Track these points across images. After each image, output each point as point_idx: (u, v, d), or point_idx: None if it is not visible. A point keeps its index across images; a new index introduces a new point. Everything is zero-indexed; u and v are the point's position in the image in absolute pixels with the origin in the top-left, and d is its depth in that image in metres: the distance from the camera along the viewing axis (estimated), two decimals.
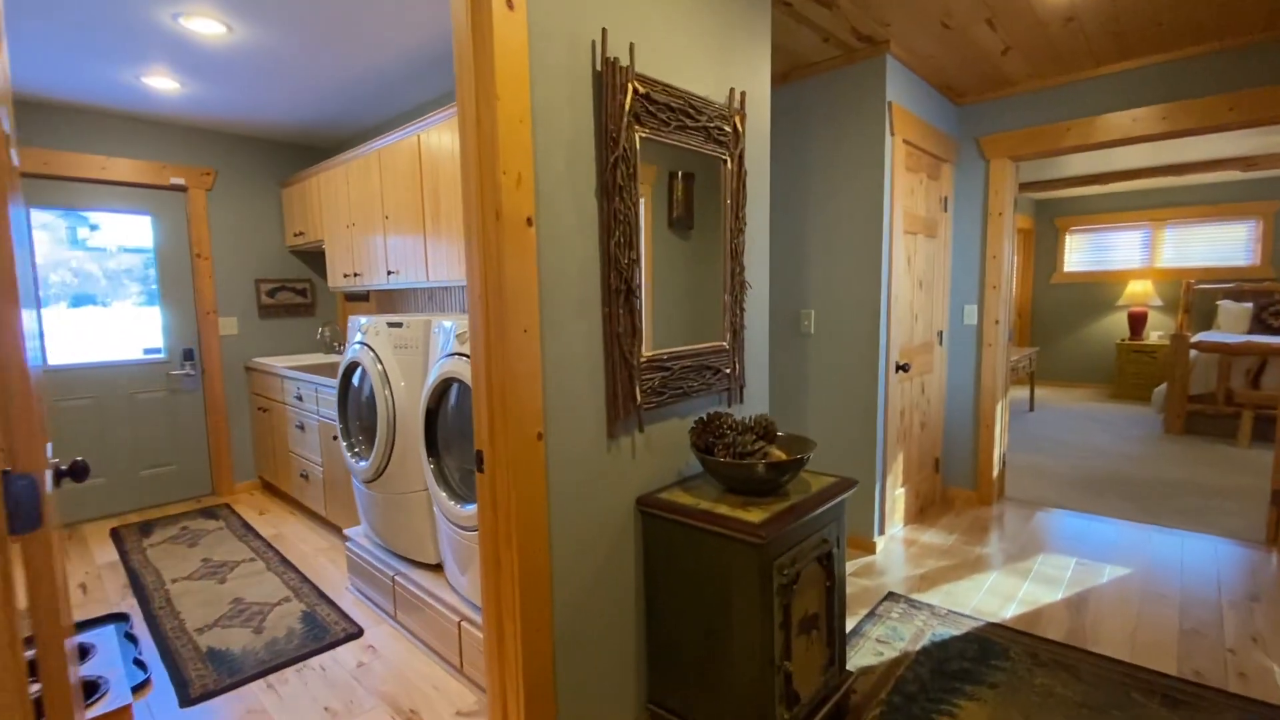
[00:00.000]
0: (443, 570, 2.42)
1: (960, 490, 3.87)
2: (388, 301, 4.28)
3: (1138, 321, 7.03)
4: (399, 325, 2.39)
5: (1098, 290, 7.58)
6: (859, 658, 2.25)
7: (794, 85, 3.19)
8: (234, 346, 4.35)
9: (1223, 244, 6.77)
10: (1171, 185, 6.89)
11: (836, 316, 3.15)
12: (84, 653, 1.97)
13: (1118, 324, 7.46)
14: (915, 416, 3.50)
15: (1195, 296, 6.87)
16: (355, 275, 3.64)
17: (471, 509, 2.03)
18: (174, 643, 2.50)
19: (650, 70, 1.71)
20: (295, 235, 4.33)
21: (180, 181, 4.04)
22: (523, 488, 1.44)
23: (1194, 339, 5.54)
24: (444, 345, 2.17)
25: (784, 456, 1.77)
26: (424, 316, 2.38)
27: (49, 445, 1.36)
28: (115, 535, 3.66)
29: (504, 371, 1.40)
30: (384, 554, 2.62)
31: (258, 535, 3.60)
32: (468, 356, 2.02)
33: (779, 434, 1.89)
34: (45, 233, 3.73)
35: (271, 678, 2.26)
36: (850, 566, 3.01)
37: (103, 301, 3.96)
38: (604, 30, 1.56)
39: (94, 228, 3.91)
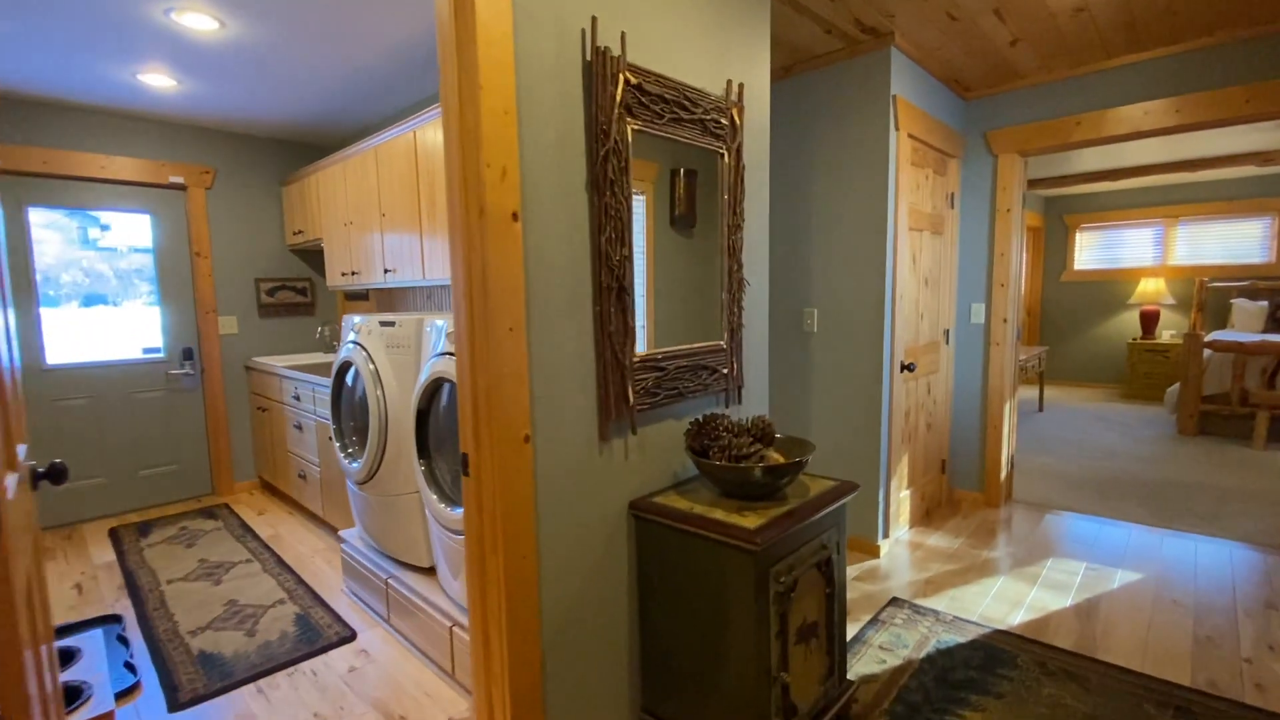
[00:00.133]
0: (436, 574, 2.38)
1: (967, 492, 3.80)
2: (387, 300, 4.25)
3: (1150, 320, 6.91)
4: (391, 324, 2.35)
5: (1109, 288, 7.46)
6: (861, 665, 2.19)
7: (796, 79, 3.13)
8: (234, 346, 4.33)
9: (1237, 241, 6.65)
10: (1184, 181, 6.77)
11: (840, 315, 3.09)
12: (69, 657, 1.95)
13: (1129, 323, 7.35)
14: (921, 417, 3.43)
15: (1209, 294, 6.75)
16: (353, 274, 3.61)
17: (462, 512, 1.99)
18: (166, 645, 2.47)
19: (643, 60, 1.66)
20: (295, 234, 4.31)
21: (179, 180, 4.03)
22: (508, 492, 1.39)
23: (1208, 338, 5.44)
24: (435, 344, 2.13)
25: (781, 460, 1.72)
26: (416, 315, 2.34)
27: (22, 447, 1.33)
28: (114, 535, 3.64)
29: (488, 372, 1.35)
30: (378, 556, 2.58)
31: (255, 536, 3.58)
32: None
33: (777, 436, 1.83)
34: (58, 233, 3.76)
35: (262, 682, 2.23)
36: (853, 570, 2.95)
37: (113, 301, 3.97)
38: (594, 18, 1.51)
39: (105, 228, 3.93)
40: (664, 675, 1.72)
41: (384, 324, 2.39)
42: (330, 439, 3.20)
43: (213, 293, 4.21)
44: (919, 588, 2.77)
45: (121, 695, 2.16)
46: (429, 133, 2.78)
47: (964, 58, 3.05)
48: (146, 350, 4.07)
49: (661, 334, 1.82)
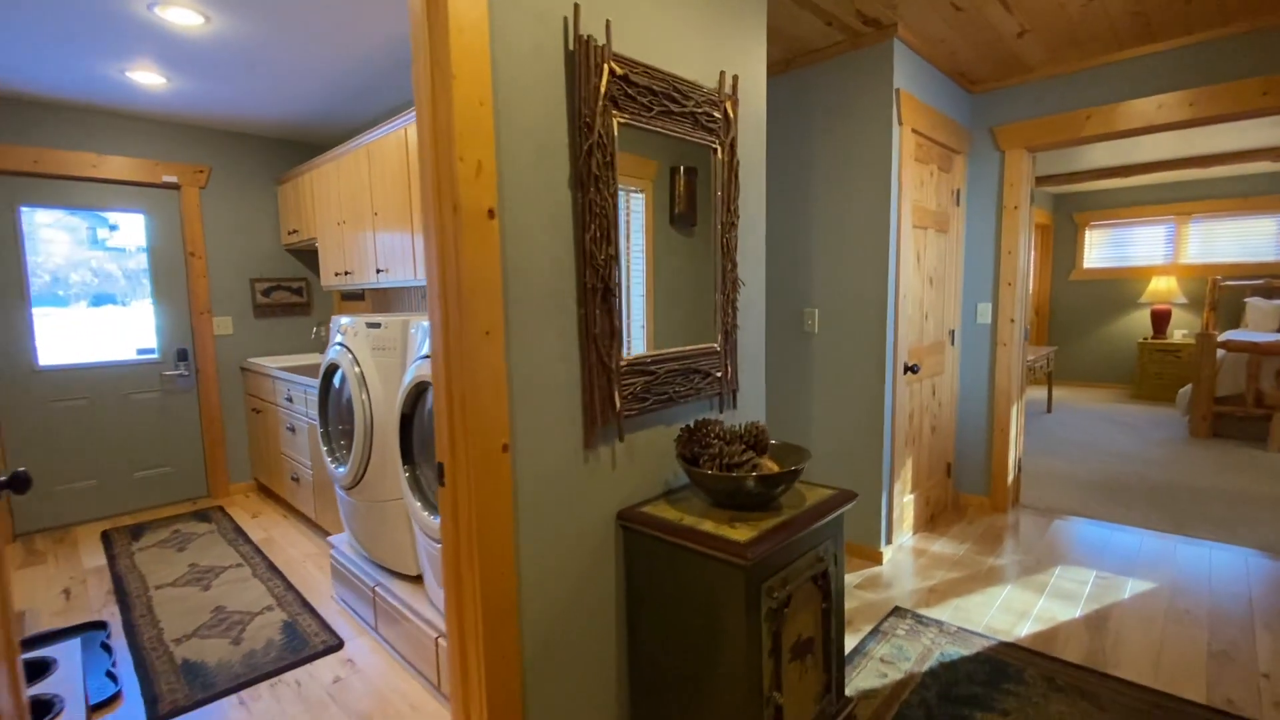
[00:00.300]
0: (423, 582, 2.32)
1: (973, 496, 3.71)
2: (383, 301, 4.19)
3: (1161, 319, 6.78)
4: (377, 326, 2.29)
5: (1119, 287, 7.33)
6: (861, 679, 2.11)
7: (797, 73, 3.05)
8: (229, 346, 4.29)
9: (1251, 238, 6.51)
10: (1197, 178, 6.64)
11: (842, 315, 3.00)
12: (44, 669, 1.89)
13: (1140, 322, 7.22)
14: (925, 419, 3.35)
15: (1222, 293, 6.62)
16: (346, 274, 3.55)
17: None
18: (150, 653, 2.41)
19: (630, 50, 1.59)
20: (290, 233, 4.26)
21: (173, 179, 3.98)
22: (485, 503, 1.32)
23: (1221, 338, 5.32)
24: (420, 346, 2.06)
25: (776, 468, 1.64)
26: (403, 316, 2.28)
27: None
28: (106, 539, 3.60)
29: (464, 378, 1.28)
30: (365, 563, 2.52)
31: (248, 539, 3.53)
32: None
33: (771, 442, 1.76)
34: (67, 233, 3.77)
35: (245, 693, 2.17)
36: (855, 578, 2.87)
37: (122, 301, 3.98)
38: (576, 5, 1.44)
39: (114, 228, 3.92)
40: (653, 693, 1.65)
41: (370, 325, 2.32)
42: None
43: (207, 293, 4.16)
44: (922, 596, 2.68)
45: (100, 706, 2.11)
46: None
47: (970, 50, 2.96)
48: (141, 351, 4.03)
49: (662, 336, 1.77)
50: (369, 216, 3.22)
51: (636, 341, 1.71)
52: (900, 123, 2.82)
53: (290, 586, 2.93)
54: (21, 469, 1.28)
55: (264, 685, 2.20)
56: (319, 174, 3.72)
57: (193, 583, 3.01)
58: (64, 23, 2.52)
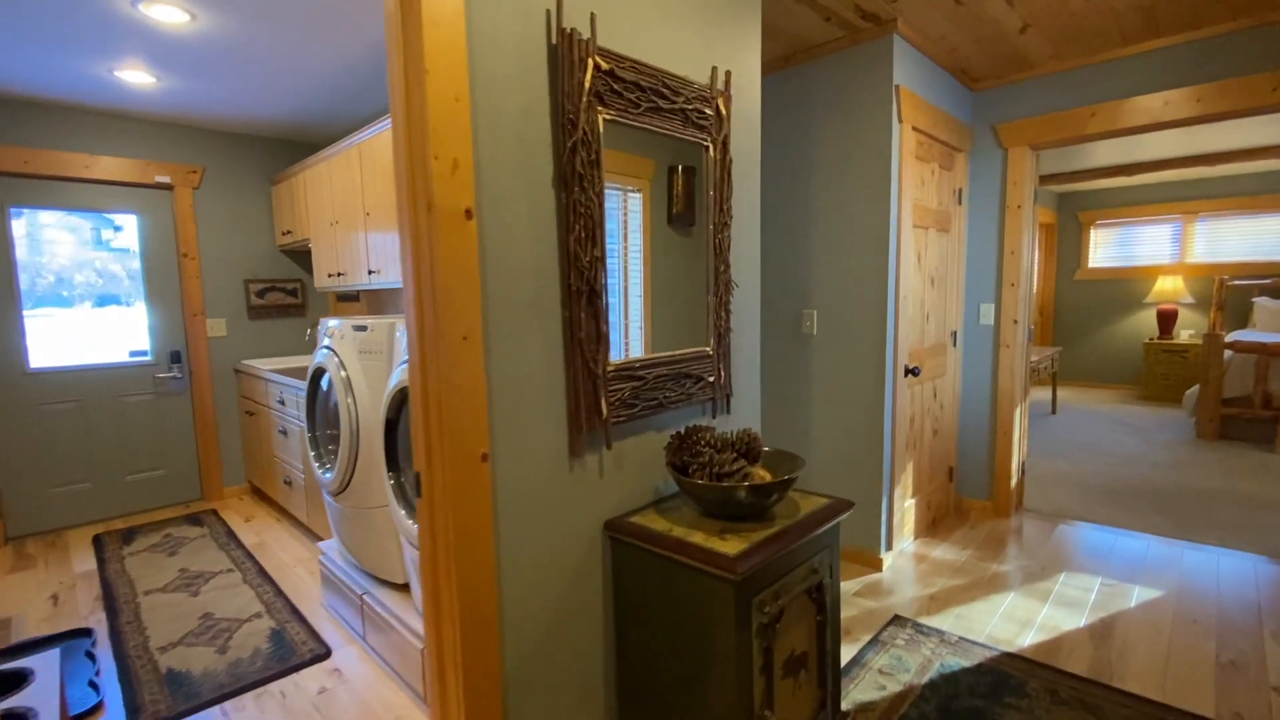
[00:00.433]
0: (410, 591, 2.27)
1: (976, 501, 3.65)
2: (377, 302, 4.15)
3: (1167, 319, 6.70)
4: (364, 328, 2.24)
5: (1124, 287, 7.25)
6: (859, 692, 2.05)
7: (795, 70, 2.99)
8: (223, 348, 4.25)
9: (1259, 237, 6.42)
10: (1204, 176, 6.55)
11: (841, 317, 2.95)
12: (20, 680, 1.85)
13: (1146, 322, 7.13)
14: (927, 422, 3.29)
15: (1229, 293, 6.53)
16: (339, 275, 3.51)
17: None
18: (134, 662, 2.37)
19: (616, 45, 1.53)
20: (284, 234, 4.22)
21: (166, 180, 3.94)
22: (464, 514, 1.27)
23: (1228, 338, 5.24)
24: (405, 350, 2.01)
25: (768, 477, 1.59)
26: (390, 319, 2.23)
27: None
28: (97, 543, 3.57)
29: (440, 384, 1.23)
30: (354, 570, 2.47)
31: (240, 544, 3.49)
32: None
33: (765, 449, 1.71)
34: (72, 234, 3.78)
35: (228, 704, 2.12)
36: (855, 585, 2.81)
37: (126, 301, 3.98)
38: None
39: (118, 229, 3.92)
40: (641, 713, 1.60)
41: (357, 328, 2.28)
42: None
43: (201, 294, 4.12)
44: (923, 604, 2.62)
45: (81, 717, 2.07)
46: None
47: (971, 45, 2.90)
48: (134, 353, 4.00)
49: (660, 338, 1.74)
50: (361, 217, 3.18)
51: (635, 344, 1.69)
52: (900, 120, 2.76)
53: (280, 593, 2.89)
54: None
55: (249, 696, 2.16)
56: (312, 174, 3.67)
57: (182, 588, 2.97)
58: (47, 21, 2.48)
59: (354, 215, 3.24)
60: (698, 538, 1.45)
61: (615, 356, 1.64)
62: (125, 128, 3.80)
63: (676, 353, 1.75)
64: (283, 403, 3.51)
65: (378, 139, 2.92)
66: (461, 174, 1.22)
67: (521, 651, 1.43)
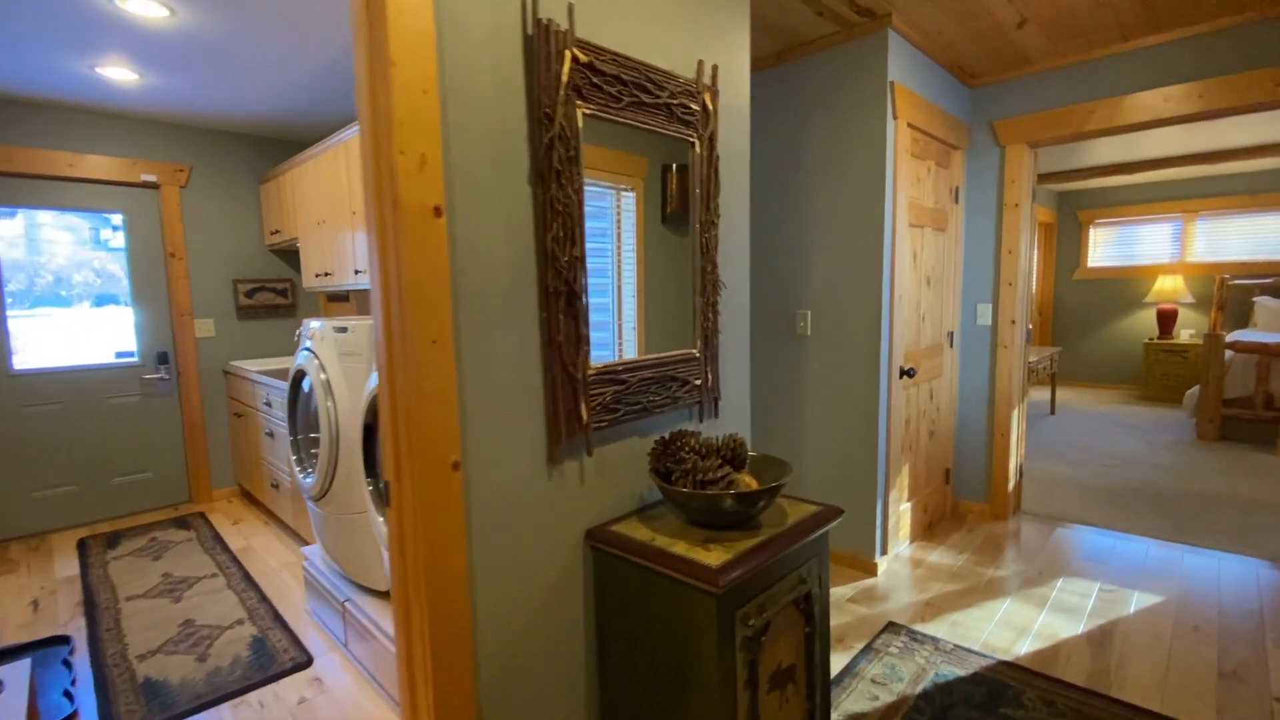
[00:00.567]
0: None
1: (973, 503, 3.59)
2: (366, 303, 4.10)
3: (1167, 319, 6.65)
4: (344, 330, 2.19)
5: (1124, 286, 7.20)
6: (851, 702, 2.00)
7: (788, 66, 2.93)
8: (211, 349, 4.19)
9: (1260, 236, 6.36)
10: (1204, 174, 6.49)
11: (835, 317, 2.89)
12: None
13: (1145, 322, 7.08)
14: (923, 424, 3.23)
15: (1230, 292, 6.48)
16: (327, 275, 3.45)
17: None
18: (111, 671, 2.32)
19: (596, 36, 1.48)
20: (273, 233, 4.17)
21: (152, 178, 3.89)
22: (434, 526, 1.22)
23: (1229, 338, 5.19)
24: None
25: (755, 484, 1.54)
26: (370, 320, 2.17)
27: None
28: (81, 547, 3.52)
29: (408, 390, 1.18)
30: (336, 577, 2.42)
31: (226, 548, 3.43)
32: None
33: (752, 455, 1.65)
34: (70, 234, 3.76)
35: (205, 714, 2.07)
36: (849, 590, 2.76)
37: (126, 302, 3.95)
38: None
39: (116, 229, 3.87)
40: None
41: (338, 329, 2.22)
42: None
43: (188, 295, 4.07)
44: (918, 611, 2.57)
45: None
46: None
47: (968, 41, 2.85)
48: (120, 354, 3.95)
49: (654, 340, 1.71)
50: (348, 216, 3.12)
51: (629, 346, 1.66)
52: (895, 117, 2.70)
53: (264, 598, 2.83)
54: None
55: (226, 706, 2.11)
56: (299, 172, 3.62)
57: (165, 594, 2.92)
58: (24, 16, 2.43)
59: (341, 214, 3.18)
60: (680, 548, 1.40)
61: (609, 358, 1.60)
62: (110, 126, 3.74)
63: (661, 355, 1.70)
64: (269, 404, 3.46)
65: None
66: (430, 170, 1.17)
67: (498, 666, 1.37)
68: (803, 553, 1.54)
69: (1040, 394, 6.91)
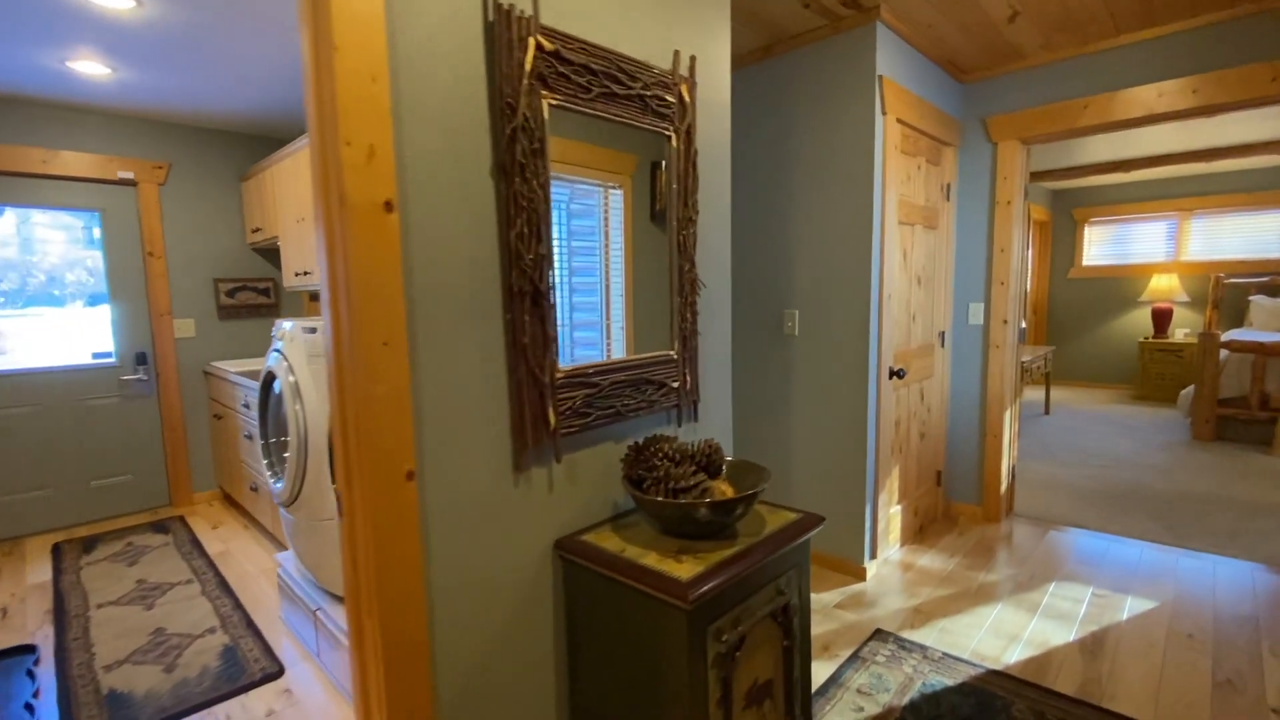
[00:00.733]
0: None
1: (965, 505, 3.54)
2: None
3: (1162, 318, 6.60)
4: (314, 330, 2.12)
5: (1119, 285, 7.15)
6: (835, 714, 1.94)
7: (775, 61, 2.87)
8: (191, 349, 4.12)
9: (1256, 234, 6.32)
10: (1200, 172, 6.45)
11: (823, 317, 2.83)
12: None
13: (1140, 321, 7.04)
14: (914, 426, 3.18)
15: (1225, 291, 6.44)
16: (307, 273, 3.38)
17: None
18: (75, 682, 2.25)
19: (563, 24, 1.41)
20: (254, 232, 4.09)
21: (129, 175, 3.81)
22: (386, 539, 1.15)
23: (1224, 337, 5.14)
24: None
25: (730, 491, 1.48)
26: None
27: None
28: (56, 551, 3.44)
29: (358, 395, 1.11)
30: (309, 584, 2.35)
31: (203, 553, 3.36)
32: None
33: (729, 460, 1.59)
34: (63, 232, 3.72)
35: None
36: (836, 595, 2.70)
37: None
38: None
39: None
40: None
41: (308, 330, 2.16)
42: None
43: (168, 294, 3.99)
44: (907, 617, 2.51)
45: None
46: None
47: (958, 35, 2.79)
48: (97, 355, 3.87)
49: (642, 339, 1.68)
50: None
51: (616, 345, 1.62)
52: (884, 112, 2.64)
53: (239, 605, 2.76)
54: None
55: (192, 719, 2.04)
56: (279, 169, 3.54)
57: (137, 601, 2.84)
58: None
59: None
60: (651, 559, 1.34)
61: (598, 358, 1.54)
62: (85, 122, 3.66)
63: (634, 358, 1.63)
64: (248, 406, 3.38)
65: None
66: (380, 162, 1.10)
67: (459, 688, 1.31)
68: (781, 563, 1.48)
69: (1034, 394, 6.86)
